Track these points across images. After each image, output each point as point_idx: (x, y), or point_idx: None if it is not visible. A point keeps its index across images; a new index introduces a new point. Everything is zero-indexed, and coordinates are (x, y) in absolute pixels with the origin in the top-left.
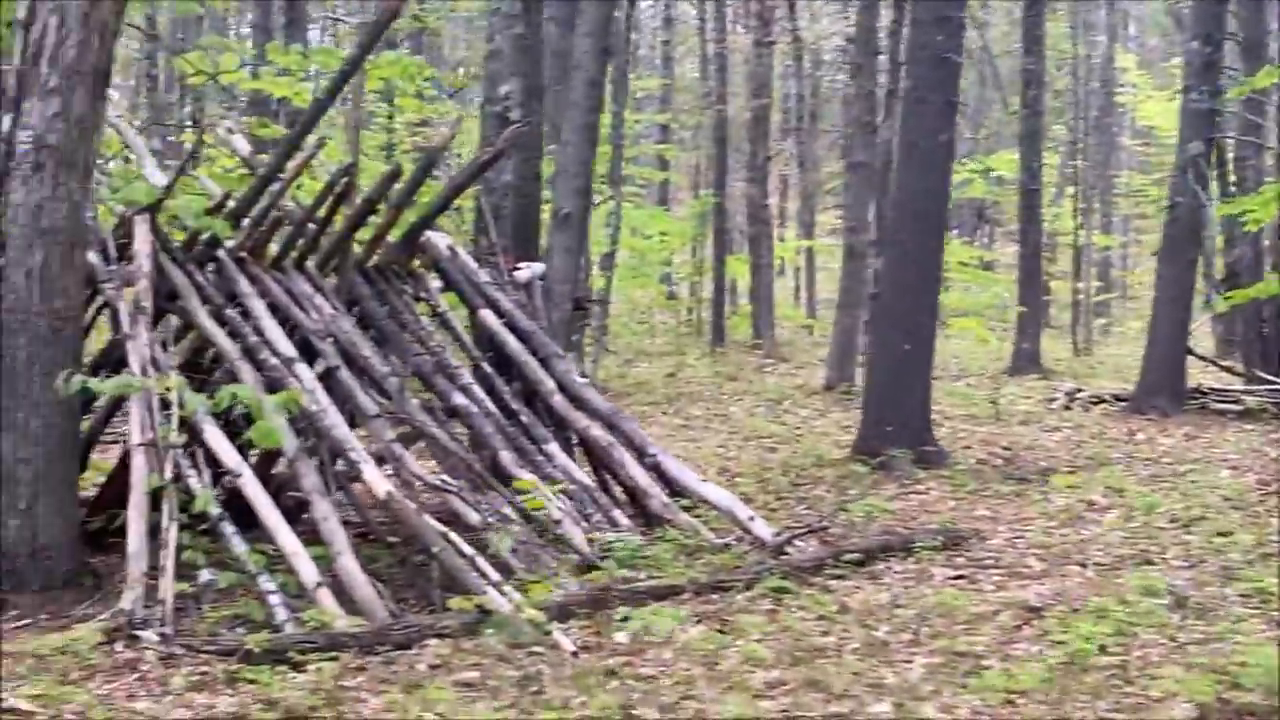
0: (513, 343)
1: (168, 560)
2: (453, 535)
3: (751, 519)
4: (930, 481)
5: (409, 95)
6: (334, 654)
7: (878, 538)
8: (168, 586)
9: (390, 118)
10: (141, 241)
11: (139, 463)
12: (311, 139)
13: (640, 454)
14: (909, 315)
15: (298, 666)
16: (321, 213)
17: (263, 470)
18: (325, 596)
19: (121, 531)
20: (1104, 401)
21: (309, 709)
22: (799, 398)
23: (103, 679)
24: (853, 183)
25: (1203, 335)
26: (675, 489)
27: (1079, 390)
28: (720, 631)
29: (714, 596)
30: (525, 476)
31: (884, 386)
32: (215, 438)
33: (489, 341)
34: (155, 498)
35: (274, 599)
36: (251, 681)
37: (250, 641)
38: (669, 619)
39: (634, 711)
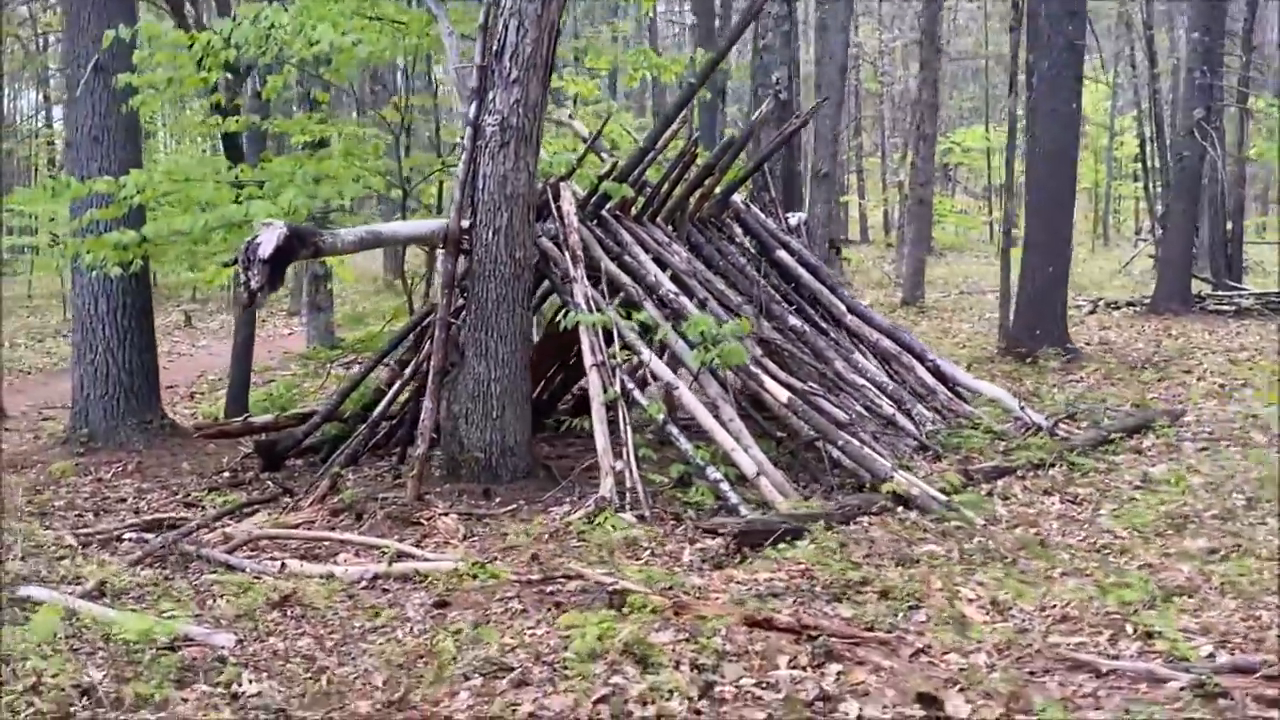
0: (806, 275)
1: (629, 456)
2: (836, 431)
3: (1023, 408)
4: (1080, 372)
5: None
6: (802, 530)
7: (1129, 418)
8: (635, 478)
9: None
10: (568, 203)
11: (594, 379)
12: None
13: (920, 359)
14: (1051, 242)
15: (786, 543)
16: (670, 177)
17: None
18: (765, 484)
19: None
20: (1121, 306)
21: (841, 579)
22: (886, 310)
23: (622, 555)
24: (922, 149)
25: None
26: (953, 385)
27: (1100, 299)
28: (1073, 502)
29: (1038, 473)
30: (860, 381)
31: (1032, 299)
32: (651, 358)
33: (785, 276)
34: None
35: (724, 487)
36: (761, 556)
37: (731, 525)
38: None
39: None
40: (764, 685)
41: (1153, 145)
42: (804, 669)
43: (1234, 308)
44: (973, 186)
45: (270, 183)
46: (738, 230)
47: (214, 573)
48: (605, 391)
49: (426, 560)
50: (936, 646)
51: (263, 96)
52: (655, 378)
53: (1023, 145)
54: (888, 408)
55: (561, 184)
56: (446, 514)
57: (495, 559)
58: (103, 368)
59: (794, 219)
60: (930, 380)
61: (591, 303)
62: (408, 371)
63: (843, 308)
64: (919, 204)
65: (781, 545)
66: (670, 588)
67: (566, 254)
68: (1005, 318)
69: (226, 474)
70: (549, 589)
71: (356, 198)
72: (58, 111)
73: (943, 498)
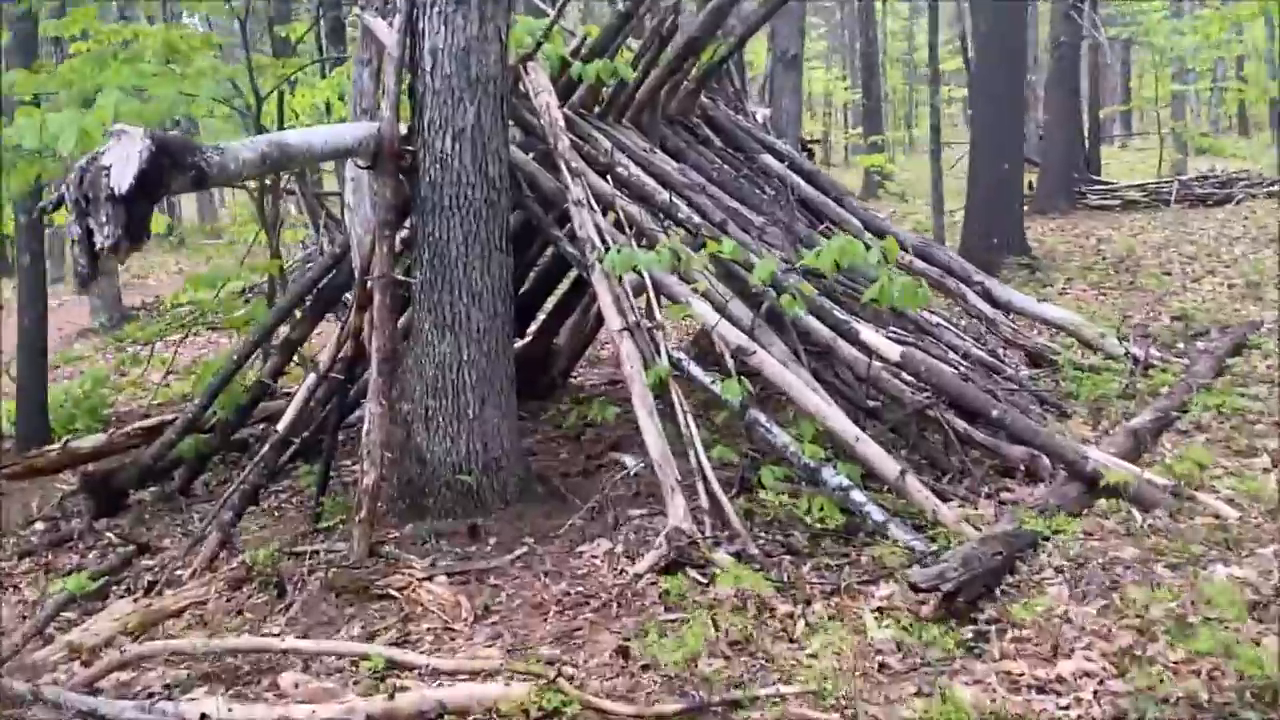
0: (803, 185)
1: (700, 461)
2: (986, 399)
3: (1103, 335)
4: (1059, 282)
5: None
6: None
7: (1229, 337)
8: (717, 494)
9: None
10: (548, 93)
11: (628, 350)
12: None
13: (967, 281)
14: (1002, 140)
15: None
16: (644, 61)
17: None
18: (915, 487)
19: None
20: None
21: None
22: None
23: (765, 635)
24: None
25: None
26: (1009, 311)
27: None
28: None
29: (1199, 425)
30: (931, 318)
31: (985, 204)
32: (705, 312)
33: (776, 186)
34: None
35: (857, 497)
36: (1002, 620)
37: (947, 572)
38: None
39: None
40: None
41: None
42: None
43: (1119, 202)
44: None
45: (63, 95)
46: (708, 132)
47: None
48: (648, 368)
49: (445, 675)
50: None
51: None
52: (724, 341)
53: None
54: (974, 349)
55: (531, 64)
56: (429, 577)
57: (561, 663)
58: None
59: (759, 115)
60: (985, 308)
61: (607, 237)
62: (323, 359)
63: (858, 224)
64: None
65: (1007, 591)
66: None
67: (562, 165)
68: (939, 226)
69: (41, 526)
70: None
71: (198, 115)
72: None
73: (1162, 482)
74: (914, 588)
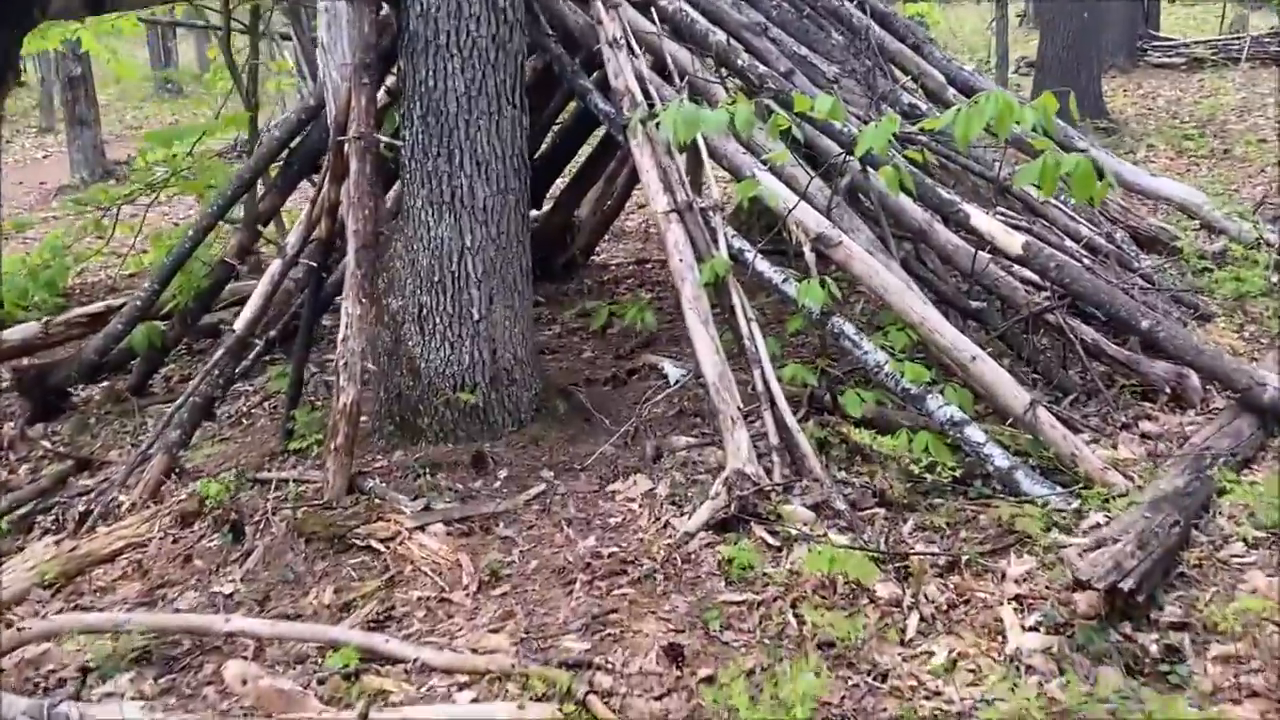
0: (876, 28)
1: (768, 382)
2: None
3: (1228, 216)
4: (1142, 150)
5: None
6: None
7: None
8: (791, 427)
9: None
10: None
11: (677, 238)
12: None
13: (1067, 147)
14: None
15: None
16: None
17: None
18: (1048, 421)
19: None
20: None
21: None
22: None
23: (871, 634)
24: None
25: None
26: (1116, 185)
27: (1022, 58)
28: None
29: None
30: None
31: (1059, 60)
32: (779, 190)
33: (845, 29)
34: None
35: (973, 435)
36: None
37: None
38: None
39: None
40: None
41: None
42: None
43: (1184, 60)
44: None
45: None
46: None
47: None
48: (701, 260)
49: (439, 672)
50: None
51: None
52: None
53: None
54: (1096, 237)
55: None
56: (421, 525)
57: (592, 668)
58: None
59: None
60: None
61: (654, 90)
62: (291, 240)
63: (940, 77)
64: None
65: (1186, 575)
66: None
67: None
68: (1003, 82)
69: None
70: None
71: None
72: None
73: None
74: (1081, 584)
